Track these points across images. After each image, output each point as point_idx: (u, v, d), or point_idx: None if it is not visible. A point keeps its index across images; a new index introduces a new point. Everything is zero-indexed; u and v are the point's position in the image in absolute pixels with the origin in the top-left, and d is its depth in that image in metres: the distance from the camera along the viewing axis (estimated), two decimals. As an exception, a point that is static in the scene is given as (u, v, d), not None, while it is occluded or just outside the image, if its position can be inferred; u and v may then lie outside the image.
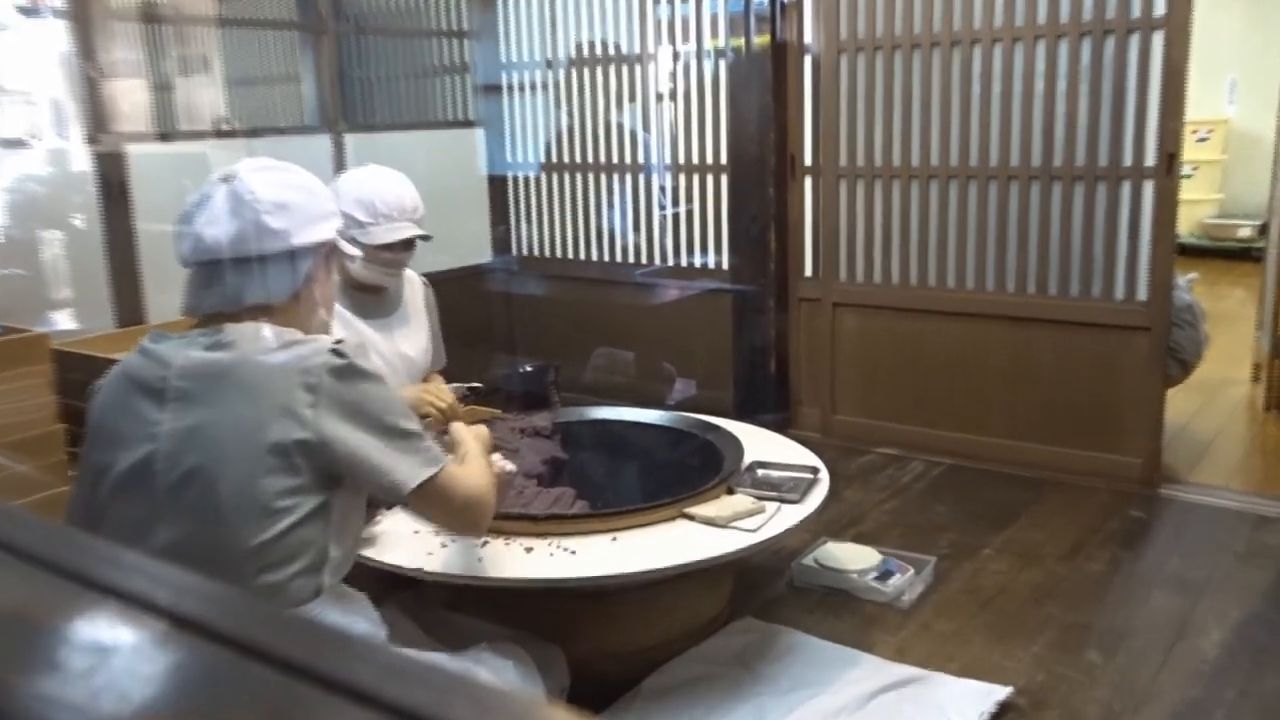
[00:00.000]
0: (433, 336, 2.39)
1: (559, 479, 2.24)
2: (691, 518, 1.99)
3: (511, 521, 1.90)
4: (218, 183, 1.34)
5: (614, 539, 1.92)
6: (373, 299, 2.23)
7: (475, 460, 1.47)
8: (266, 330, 1.31)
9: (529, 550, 1.86)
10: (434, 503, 1.37)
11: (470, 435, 1.55)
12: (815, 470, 2.21)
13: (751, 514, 1.99)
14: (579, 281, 4.45)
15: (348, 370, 1.32)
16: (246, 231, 1.33)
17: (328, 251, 1.42)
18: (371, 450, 1.31)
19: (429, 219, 2.21)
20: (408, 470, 1.34)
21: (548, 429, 2.44)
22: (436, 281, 2.52)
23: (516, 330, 4.68)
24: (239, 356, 1.28)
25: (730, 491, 2.11)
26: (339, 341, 1.32)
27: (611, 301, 4.30)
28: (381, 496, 1.35)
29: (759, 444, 2.41)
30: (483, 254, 4.65)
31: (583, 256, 4.42)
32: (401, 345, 2.30)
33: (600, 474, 2.42)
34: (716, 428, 2.45)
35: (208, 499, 1.25)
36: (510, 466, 1.81)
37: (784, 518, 1.99)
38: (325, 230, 1.40)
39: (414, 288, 2.38)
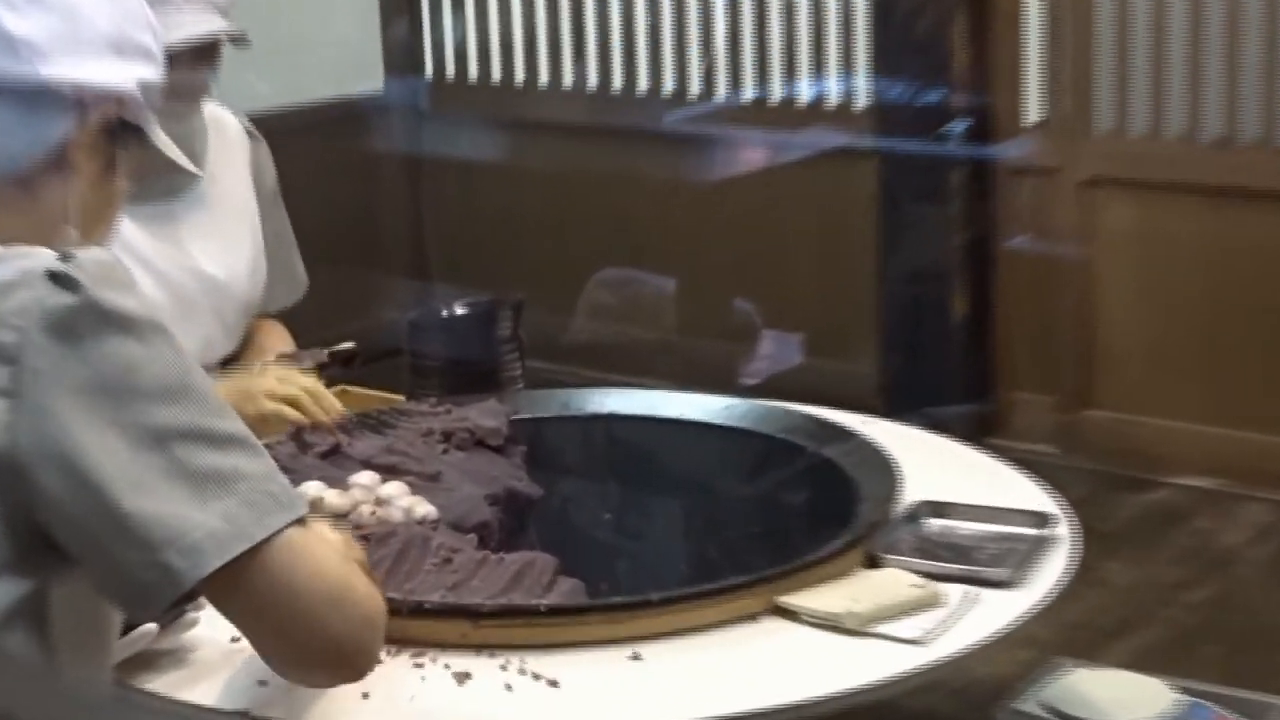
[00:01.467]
0: (268, 239, 2.48)
1: (521, 534, 2.25)
2: (794, 614, 1.92)
3: (428, 621, 1.86)
4: None
5: (635, 656, 1.84)
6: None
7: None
8: None
9: (462, 679, 1.79)
10: (259, 601, 1.38)
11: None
12: (1045, 520, 2.15)
13: (914, 607, 1.92)
14: (553, 133, 4.43)
15: (84, 316, 1.32)
16: None
17: (113, 117, 1.47)
18: (126, 489, 1.30)
19: (255, 10, 2.43)
20: (209, 529, 1.32)
21: (497, 432, 2.38)
22: (275, 132, 2.59)
23: (433, 232, 4.71)
24: None
25: (873, 563, 2.04)
26: (67, 256, 1.34)
27: (622, 174, 4.20)
28: (143, 589, 1.33)
29: (932, 467, 2.34)
30: (367, 77, 4.60)
31: (563, 81, 4.40)
32: (200, 258, 2.36)
33: (606, 524, 2.41)
34: (845, 433, 2.39)
35: None
36: (424, 510, 1.94)
37: (981, 616, 1.92)
38: (119, 70, 1.45)
39: (227, 144, 2.45)
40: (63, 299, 1.33)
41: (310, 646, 1.43)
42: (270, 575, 1.38)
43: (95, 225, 1.50)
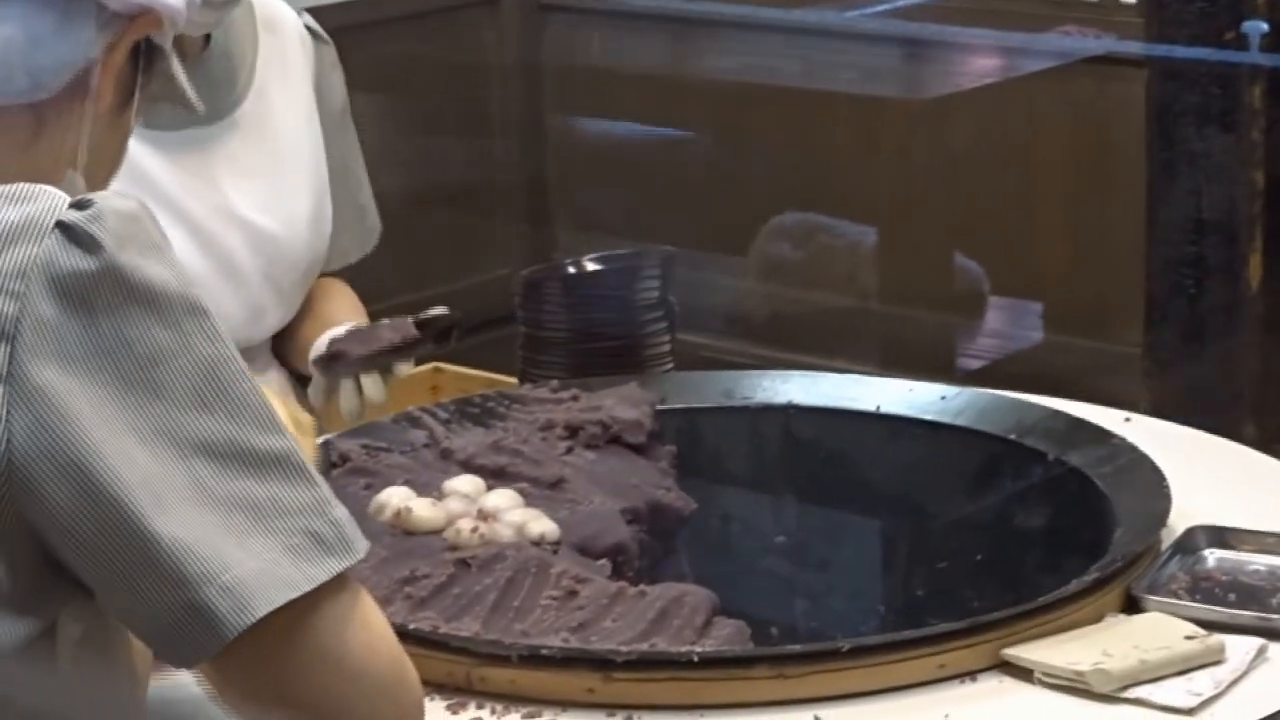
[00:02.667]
0: (334, 173, 2.51)
1: (668, 560, 2.28)
2: (1027, 672, 1.92)
3: (545, 671, 1.87)
4: None
5: None
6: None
7: None
8: None
9: None
10: (288, 674, 1.38)
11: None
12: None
13: (1185, 665, 1.90)
14: (716, 32, 4.44)
15: (103, 284, 1.31)
16: None
17: (142, 38, 1.50)
18: (150, 507, 1.31)
19: None
20: (247, 568, 1.33)
21: (638, 426, 2.38)
22: (344, 31, 2.62)
23: (556, 165, 4.71)
24: None
25: (1133, 606, 2.03)
26: (84, 203, 1.34)
27: (806, 87, 4.20)
28: (176, 634, 1.34)
29: (1213, 481, 2.33)
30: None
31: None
32: (245, 203, 2.39)
33: (778, 550, 2.42)
34: (1098, 434, 2.37)
35: None
36: (542, 528, 2.00)
37: (1276, 679, 1.90)
38: None
39: (283, 49, 2.47)
40: (77, 260, 1.33)
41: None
42: (311, 639, 1.39)
43: (99, 171, 1.53)
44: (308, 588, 1.36)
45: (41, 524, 1.33)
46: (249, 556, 1.35)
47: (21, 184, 1.40)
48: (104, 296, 1.32)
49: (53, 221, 1.33)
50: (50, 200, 1.35)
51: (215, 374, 1.37)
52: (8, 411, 1.31)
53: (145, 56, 1.55)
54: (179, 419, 1.35)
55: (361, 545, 1.42)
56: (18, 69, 1.45)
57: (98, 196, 1.37)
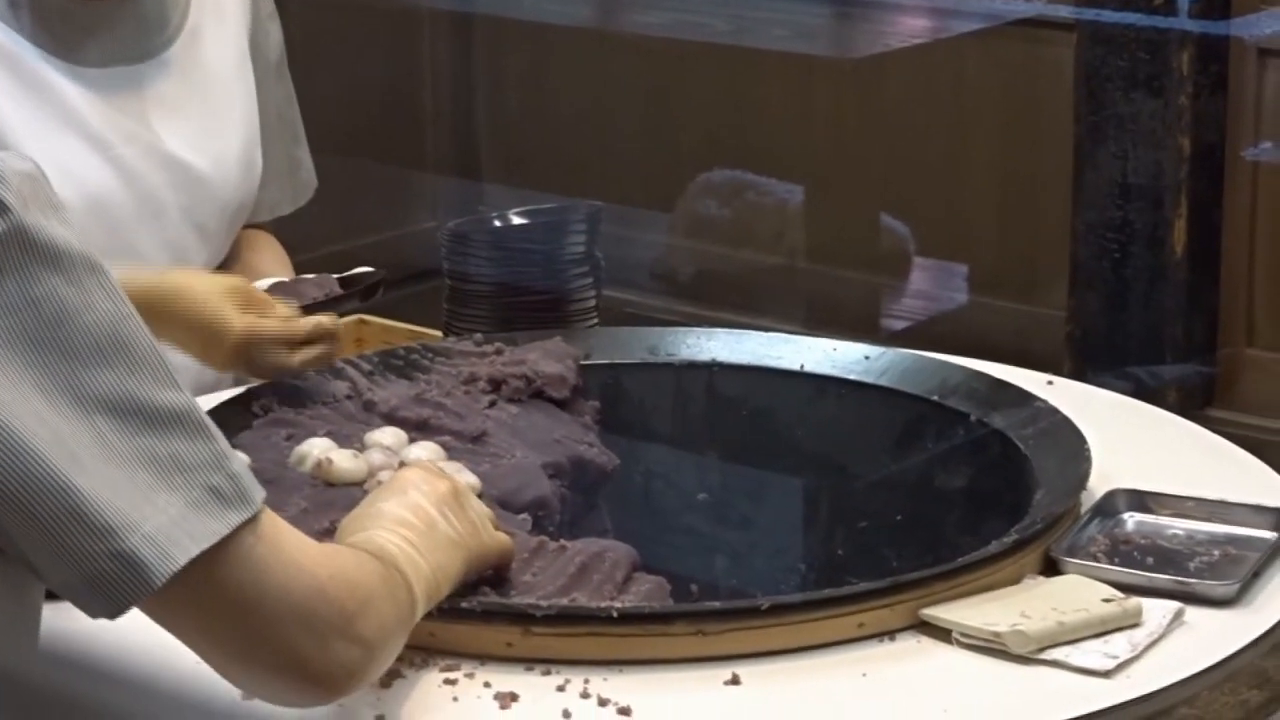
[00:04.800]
0: (267, 121, 2.51)
1: (590, 516, 2.29)
2: (944, 632, 1.92)
3: (464, 625, 1.86)
4: None
5: (734, 680, 1.83)
6: (92, 7, 2.32)
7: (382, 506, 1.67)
8: None
9: (507, 701, 1.79)
10: (205, 616, 1.42)
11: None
12: (1284, 519, 2.21)
13: (1102, 628, 1.91)
14: None
15: (7, 245, 1.32)
16: None
17: None
18: (67, 462, 1.33)
19: None
20: (157, 522, 1.35)
21: (562, 381, 2.39)
22: None
23: (485, 116, 4.74)
24: None
25: (1051, 568, 2.05)
26: None
27: (737, 44, 4.18)
28: (102, 584, 1.35)
29: (1133, 444, 2.36)
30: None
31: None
32: (171, 140, 2.38)
33: (700, 507, 2.43)
34: (1020, 396, 2.39)
35: None
36: (467, 479, 1.96)
37: (1192, 643, 1.91)
38: None
39: None
40: None
41: (273, 666, 1.47)
42: (225, 588, 1.41)
43: None
44: (209, 542, 1.37)
45: None
46: (156, 511, 1.36)
47: None
48: (10, 257, 1.32)
49: None
50: None
51: (116, 331, 1.37)
52: None
53: None
54: (83, 376, 1.35)
55: (258, 495, 1.43)
56: None
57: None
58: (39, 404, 1.34)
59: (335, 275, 2.38)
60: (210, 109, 2.42)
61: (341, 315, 2.34)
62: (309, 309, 2.30)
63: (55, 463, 1.34)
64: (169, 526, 1.38)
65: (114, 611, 1.45)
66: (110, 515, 1.36)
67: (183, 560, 1.37)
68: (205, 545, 1.38)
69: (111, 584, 1.37)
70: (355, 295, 2.39)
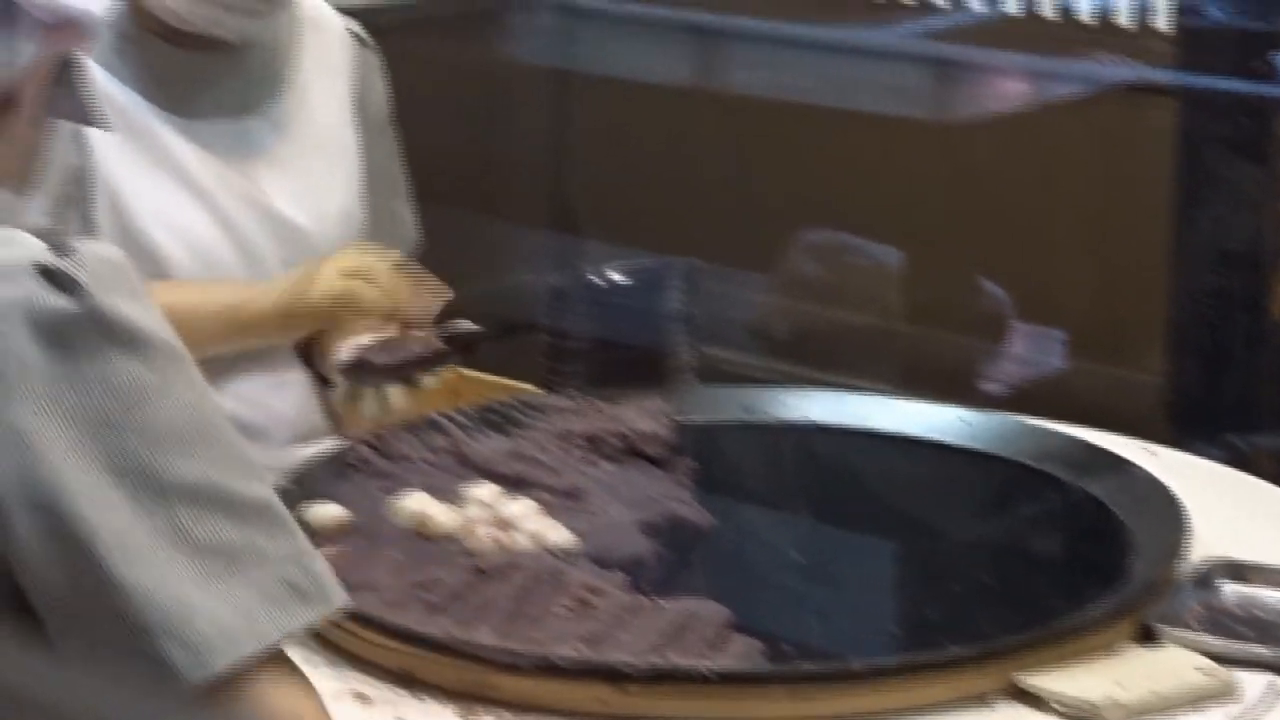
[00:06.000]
0: (370, 177, 2.52)
1: (684, 574, 2.26)
2: (1038, 700, 1.91)
3: (557, 682, 1.86)
4: None
5: None
6: (200, 62, 2.37)
7: None
8: None
9: None
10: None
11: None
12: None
13: (1198, 699, 1.90)
14: (747, 46, 4.47)
15: (82, 326, 1.31)
16: None
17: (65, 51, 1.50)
18: (118, 551, 1.29)
19: None
20: (214, 618, 1.32)
21: (658, 439, 2.40)
22: (386, 32, 2.64)
23: (582, 173, 4.74)
24: None
25: (1148, 637, 2.02)
26: (63, 247, 1.33)
27: (837, 106, 4.18)
28: (113, 676, 1.33)
29: (1233, 514, 2.32)
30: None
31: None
32: (275, 196, 2.41)
33: (795, 568, 2.40)
34: (1118, 463, 2.38)
35: None
36: (559, 537, 2.00)
37: None
38: None
39: (326, 50, 2.49)
40: (56, 301, 1.32)
41: None
42: (250, 700, 1.37)
43: (23, 181, 1.50)
44: (277, 636, 1.36)
45: (12, 559, 1.33)
46: (220, 604, 1.35)
47: None
48: (85, 337, 1.32)
49: (31, 263, 1.33)
50: (26, 245, 1.35)
51: (197, 418, 1.37)
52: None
53: (64, 70, 1.53)
54: (160, 461, 1.35)
55: (338, 597, 1.42)
56: None
57: (78, 242, 1.37)
58: (107, 488, 1.33)
59: (435, 328, 2.40)
60: (314, 164, 2.44)
61: (438, 371, 2.37)
62: (410, 365, 2.33)
63: (103, 553, 1.33)
64: (224, 624, 1.35)
65: (131, 701, 1.45)
66: (151, 614, 1.34)
67: (220, 666, 1.34)
68: (270, 640, 1.36)
69: (135, 680, 1.35)
70: (455, 351, 2.40)
